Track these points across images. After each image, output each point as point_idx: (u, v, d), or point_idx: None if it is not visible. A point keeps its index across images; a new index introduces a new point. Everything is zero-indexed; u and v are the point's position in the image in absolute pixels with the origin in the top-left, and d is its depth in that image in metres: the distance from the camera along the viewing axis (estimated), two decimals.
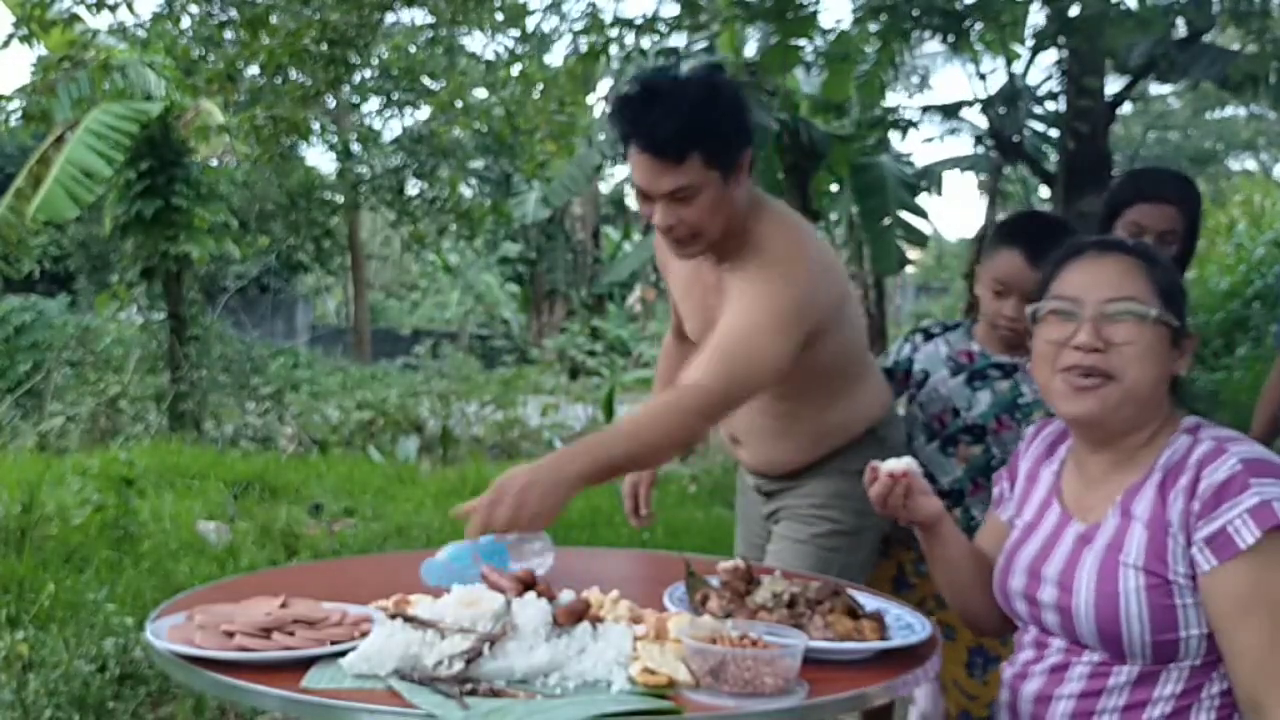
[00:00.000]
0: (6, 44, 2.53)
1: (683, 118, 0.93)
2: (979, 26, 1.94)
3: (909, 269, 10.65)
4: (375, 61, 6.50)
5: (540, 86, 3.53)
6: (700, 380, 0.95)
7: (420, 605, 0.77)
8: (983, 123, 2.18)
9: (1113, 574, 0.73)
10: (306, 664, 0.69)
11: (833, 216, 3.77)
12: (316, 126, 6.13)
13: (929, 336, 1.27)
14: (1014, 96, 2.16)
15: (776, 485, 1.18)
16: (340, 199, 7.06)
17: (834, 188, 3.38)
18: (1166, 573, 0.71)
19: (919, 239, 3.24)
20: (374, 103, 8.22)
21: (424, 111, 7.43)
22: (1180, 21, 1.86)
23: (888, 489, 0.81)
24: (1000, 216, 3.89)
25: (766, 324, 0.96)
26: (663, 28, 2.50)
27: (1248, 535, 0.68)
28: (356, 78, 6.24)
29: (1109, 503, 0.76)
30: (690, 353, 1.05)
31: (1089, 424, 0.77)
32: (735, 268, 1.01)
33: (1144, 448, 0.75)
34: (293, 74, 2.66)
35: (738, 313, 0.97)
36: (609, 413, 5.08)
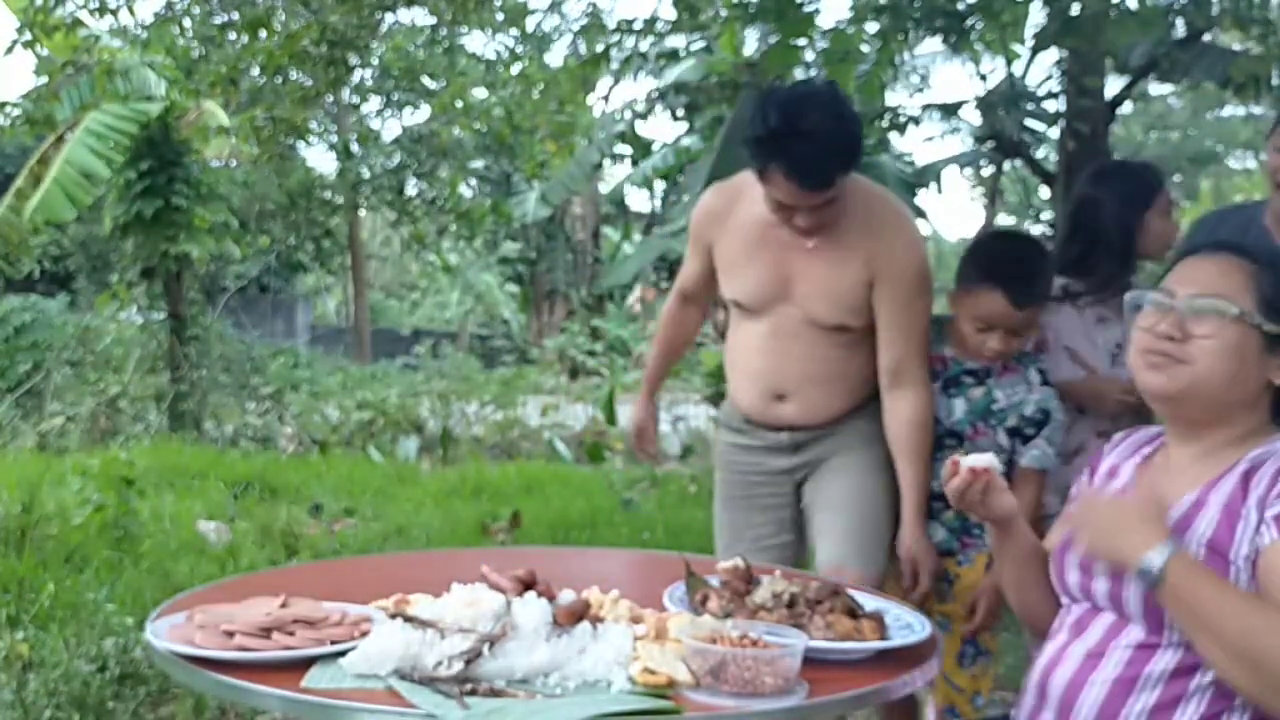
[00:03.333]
0: (10, 50, 2.53)
1: (832, 154, 1.05)
2: (979, 26, 1.94)
3: None
4: (375, 62, 6.50)
5: (540, 86, 3.53)
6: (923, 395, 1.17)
7: (420, 605, 0.77)
8: (982, 122, 2.18)
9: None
10: (307, 664, 0.69)
11: None
12: (317, 127, 6.14)
13: None
14: (1014, 96, 2.16)
15: (814, 434, 1.22)
16: (340, 199, 7.06)
17: None
18: (1228, 552, 0.71)
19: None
20: (374, 103, 8.25)
21: (424, 112, 7.45)
22: (1180, 21, 1.86)
23: (968, 484, 0.81)
24: (1001, 218, 3.87)
25: (929, 293, 1.19)
26: (662, 28, 2.50)
27: None
28: (356, 78, 6.25)
29: (1187, 490, 0.76)
30: (692, 315, 1.31)
31: (1159, 400, 0.78)
32: (838, 233, 1.15)
33: (1232, 448, 0.76)
34: (293, 74, 2.65)
35: (912, 296, 1.16)
36: (609, 413, 5.07)
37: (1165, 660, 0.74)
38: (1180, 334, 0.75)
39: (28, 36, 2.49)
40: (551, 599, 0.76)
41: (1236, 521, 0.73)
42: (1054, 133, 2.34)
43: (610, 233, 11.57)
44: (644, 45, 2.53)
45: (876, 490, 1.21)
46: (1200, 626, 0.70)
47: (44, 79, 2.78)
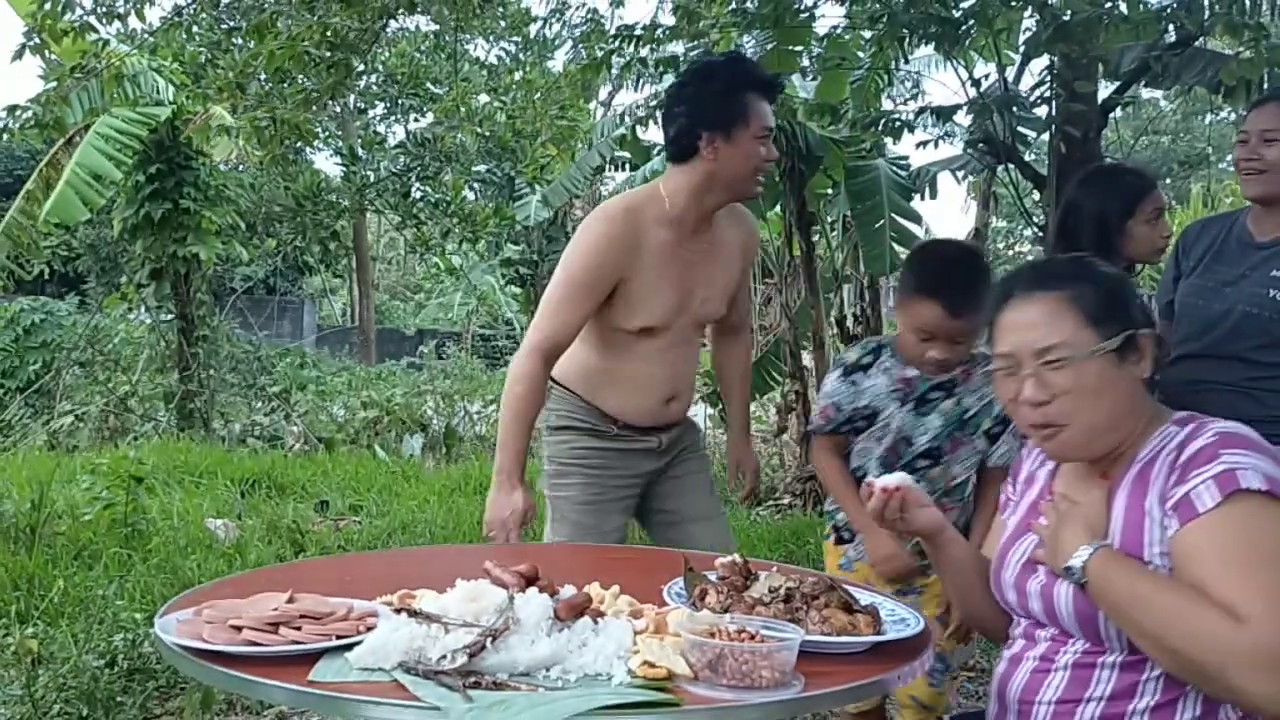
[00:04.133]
0: (19, 55, 2.56)
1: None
2: (973, 33, 1.96)
3: None
4: (380, 67, 6.54)
5: (541, 92, 3.55)
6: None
7: (424, 600, 0.78)
8: (974, 126, 2.19)
9: None
10: (313, 658, 0.70)
11: (829, 219, 3.79)
12: (322, 132, 6.18)
13: (865, 369, 1.24)
14: (1006, 101, 2.17)
15: (677, 430, 1.35)
16: (346, 202, 7.11)
17: (830, 191, 3.40)
18: (1143, 553, 0.72)
19: (912, 241, 3.24)
20: (379, 108, 8.30)
21: (428, 116, 7.49)
22: (1171, 27, 1.86)
23: (883, 503, 0.84)
24: (992, 217, 3.87)
25: None
26: (662, 34, 2.52)
27: (1208, 499, 0.69)
28: (361, 83, 6.29)
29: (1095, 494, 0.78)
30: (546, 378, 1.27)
31: (1066, 461, 0.81)
32: (717, 233, 1.31)
33: (1132, 443, 0.76)
34: (296, 78, 2.68)
35: None
36: None
37: (1112, 659, 0.74)
38: (1045, 396, 0.75)
39: (35, 41, 2.52)
40: (553, 594, 0.77)
41: (1142, 520, 0.73)
42: (1046, 137, 2.35)
43: None
44: (644, 51, 2.55)
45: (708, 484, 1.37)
46: (1123, 620, 0.71)
47: (53, 83, 2.82)
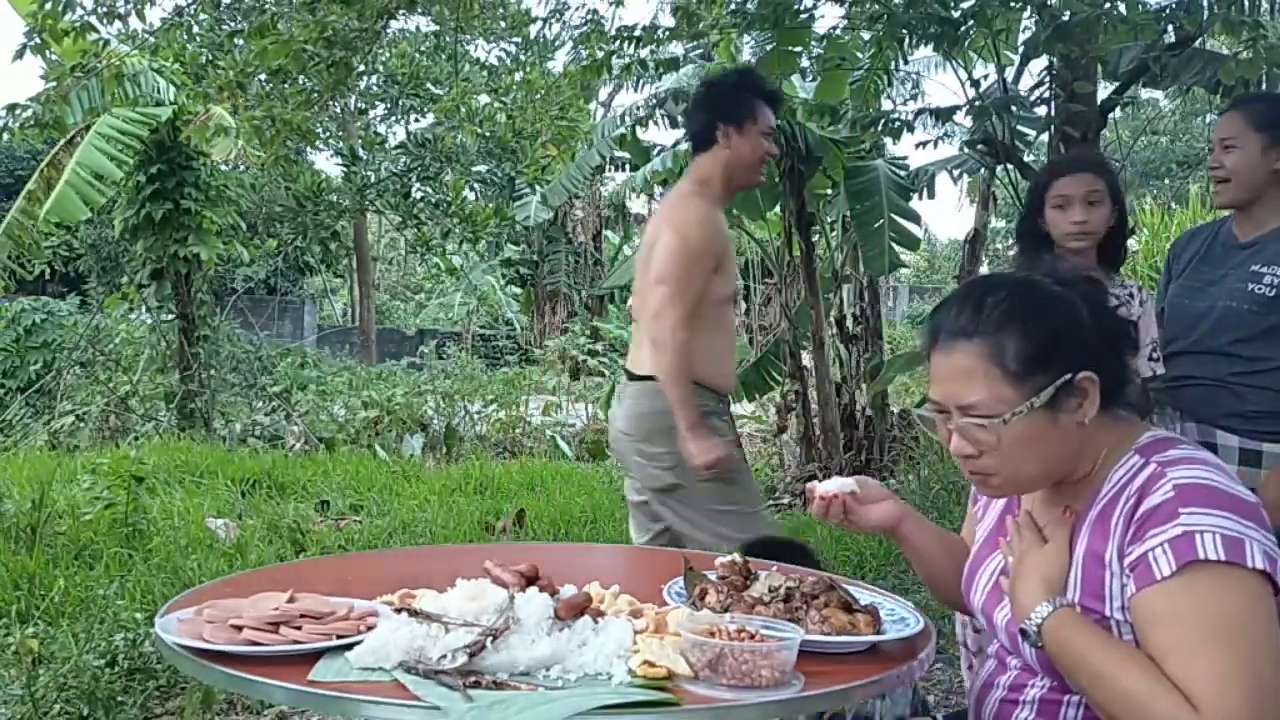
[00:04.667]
0: (20, 55, 2.56)
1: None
2: (972, 33, 1.96)
3: (903, 271, 10.66)
4: (380, 68, 6.54)
5: (541, 92, 3.56)
6: None
7: (425, 600, 0.79)
8: (974, 126, 2.19)
9: None
10: (314, 657, 0.70)
11: (828, 219, 3.79)
12: (323, 132, 6.18)
13: None
14: (1006, 101, 2.17)
15: None
16: (347, 202, 7.12)
17: (830, 191, 3.41)
18: (1104, 609, 0.70)
19: (911, 241, 3.24)
20: (380, 108, 8.31)
21: (428, 117, 7.50)
22: (1170, 27, 1.86)
23: (823, 509, 0.86)
24: (991, 217, 3.89)
25: None
26: (662, 36, 2.53)
27: (1165, 566, 0.66)
28: (362, 84, 6.29)
29: (1051, 539, 0.74)
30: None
31: (1006, 498, 0.79)
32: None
33: (1095, 468, 0.73)
34: (297, 78, 2.68)
35: None
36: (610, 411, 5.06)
37: (1078, 698, 0.73)
38: (970, 450, 0.73)
39: (36, 41, 2.52)
40: (553, 594, 0.78)
41: (1102, 574, 0.70)
42: (1045, 137, 2.35)
43: (611, 236, 11.62)
44: (643, 53, 2.56)
45: None
46: (1077, 684, 0.69)
47: (53, 83, 2.81)
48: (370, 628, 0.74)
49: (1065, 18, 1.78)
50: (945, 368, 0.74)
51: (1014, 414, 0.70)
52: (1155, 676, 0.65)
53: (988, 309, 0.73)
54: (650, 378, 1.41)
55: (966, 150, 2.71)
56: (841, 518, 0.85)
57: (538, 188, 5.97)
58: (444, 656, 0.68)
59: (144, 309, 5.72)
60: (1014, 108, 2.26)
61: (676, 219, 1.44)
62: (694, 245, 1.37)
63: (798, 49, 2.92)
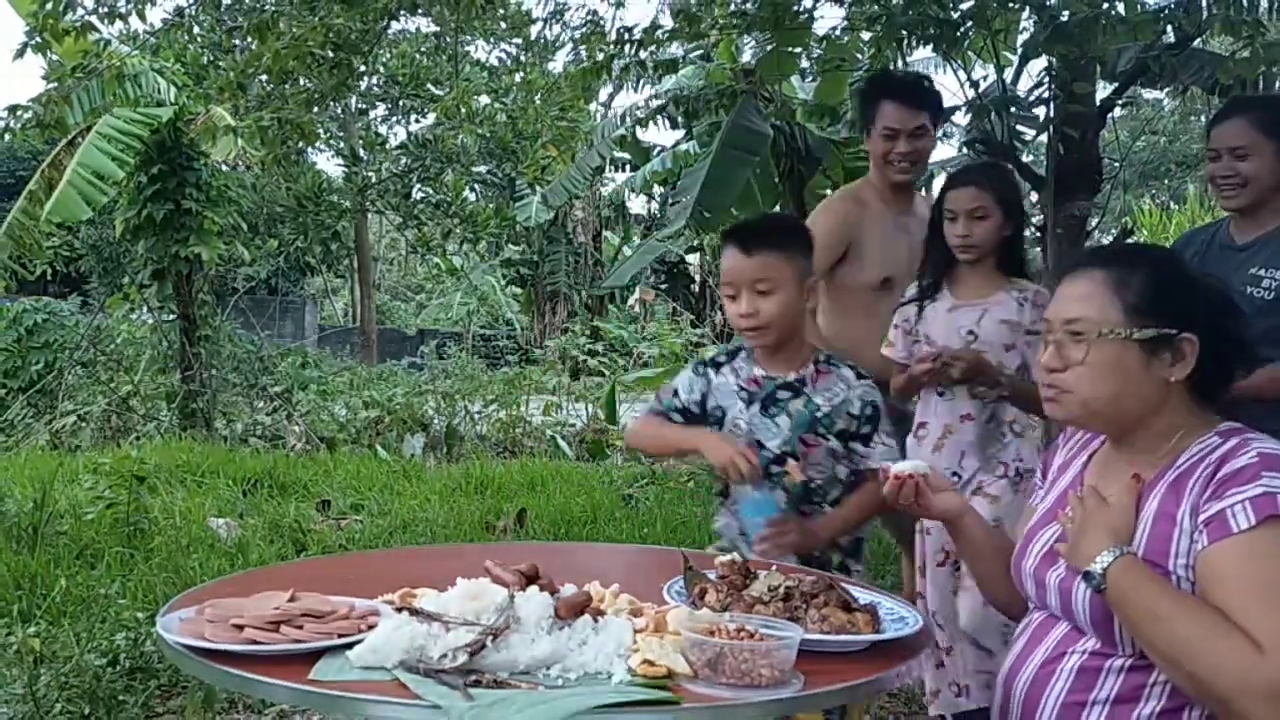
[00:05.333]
0: (21, 54, 2.57)
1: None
2: (971, 34, 1.97)
3: None
4: (381, 69, 6.54)
5: (542, 93, 3.57)
6: None
7: (425, 599, 0.79)
8: (972, 127, 2.20)
9: None
10: (314, 656, 0.71)
11: None
12: (324, 133, 6.19)
13: (718, 367, 1.24)
14: (1004, 101, 2.17)
15: None
16: (347, 203, 7.13)
17: (829, 192, 3.41)
18: (1167, 563, 0.72)
19: None
20: (380, 109, 8.32)
21: (429, 118, 7.50)
22: (1169, 27, 1.87)
23: (896, 489, 0.86)
24: None
25: None
26: (662, 37, 2.53)
27: (1243, 520, 0.69)
28: (363, 84, 6.30)
29: (1125, 494, 0.77)
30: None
31: (1064, 424, 0.82)
32: None
33: (1167, 447, 0.76)
34: (299, 79, 2.68)
35: None
36: (610, 411, 5.09)
37: (1119, 663, 0.74)
38: (1058, 364, 0.77)
39: (37, 40, 2.52)
40: (554, 593, 0.78)
41: (1171, 531, 0.73)
42: (1044, 138, 2.36)
43: (610, 236, 11.63)
44: (644, 53, 2.56)
45: None
46: (1138, 633, 0.71)
47: (54, 83, 2.82)
48: (371, 627, 0.74)
49: (1064, 18, 1.78)
50: (1067, 291, 0.79)
51: (1111, 332, 0.75)
52: (1218, 620, 0.67)
53: (1125, 252, 0.81)
54: None
55: (965, 150, 2.71)
56: (912, 500, 0.86)
57: (538, 188, 5.98)
58: (444, 655, 0.69)
59: (145, 309, 5.73)
60: (1013, 108, 2.27)
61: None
62: (817, 235, 1.39)
63: (797, 50, 2.92)
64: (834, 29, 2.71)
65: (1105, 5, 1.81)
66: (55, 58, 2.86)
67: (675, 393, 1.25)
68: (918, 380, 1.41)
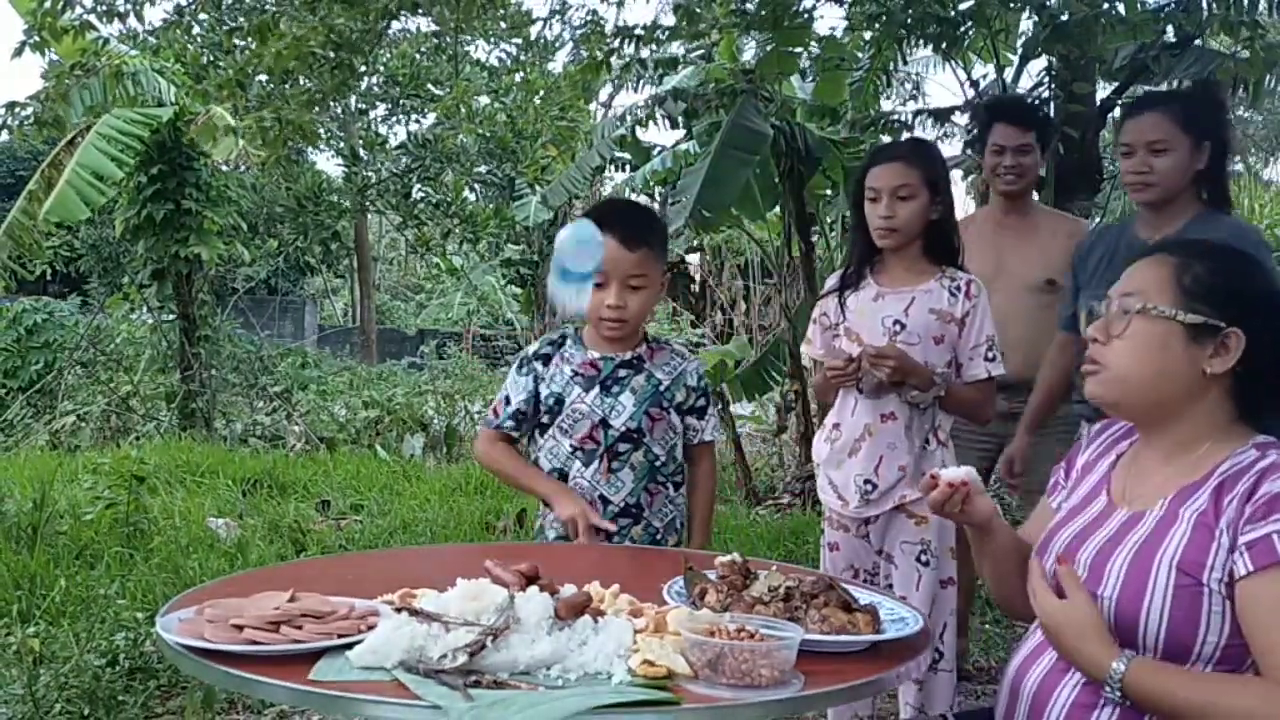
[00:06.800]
0: (19, 52, 2.57)
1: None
2: (971, 33, 1.97)
3: None
4: (381, 69, 6.55)
5: (542, 93, 3.56)
6: None
7: (425, 599, 0.79)
8: (972, 125, 2.20)
9: (1145, 566, 0.73)
10: (314, 657, 0.71)
11: (828, 220, 3.79)
12: (324, 133, 6.19)
13: (546, 360, 1.23)
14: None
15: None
16: (347, 203, 7.13)
17: (829, 192, 3.41)
18: (1201, 574, 0.71)
19: None
20: (380, 109, 8.33)
21: (429, 117, 7.51)
22: (1169, 27, 1.87)
23: (947, 496, 0.84)
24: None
25: None
26: (662, 35, 2.53)
27: None
28: (363, 84, 6.30)
29: (1158, 496, 0.76)
30: None
31: (1098, 405, 0.81)
32: None
33: (1203, 451, 0.75)
34: (299, 79, 2.69)
35: None
36: None
37: None
38: (1104, 338, 0.77)
39: (36, 39, 2.52)
40: (554, 593, 0.78)
41: (1209, 541, 0.72)
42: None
43: None
44: (644, 52, 2.56)
45: None
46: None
47: (53, 82, 2.81)
48: (371, 627, 0.74)
49: (1064, 18, 1.78)
50: (1133, 270, 0.79)
51: (1156, 309, 0.75)
52: (1258, 682, 0.67)
53: (1205, 245, 0.81)
54: None
55: (966, 150, 2.71)
56: (959, 506, 0.85)
57: (538, 188, 5.97)
58: (444, 656, 0.68)
59: (145, 309, 5.73)
60: None
61: None
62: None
63: (797, 49, 2.92)
64: (834, 28, 2.70)
65: (1105, 5, 1.81)
66: (54, 56, 2.86)
67: (507, 401, 1.23)
68: (838, 379, 1.28)
